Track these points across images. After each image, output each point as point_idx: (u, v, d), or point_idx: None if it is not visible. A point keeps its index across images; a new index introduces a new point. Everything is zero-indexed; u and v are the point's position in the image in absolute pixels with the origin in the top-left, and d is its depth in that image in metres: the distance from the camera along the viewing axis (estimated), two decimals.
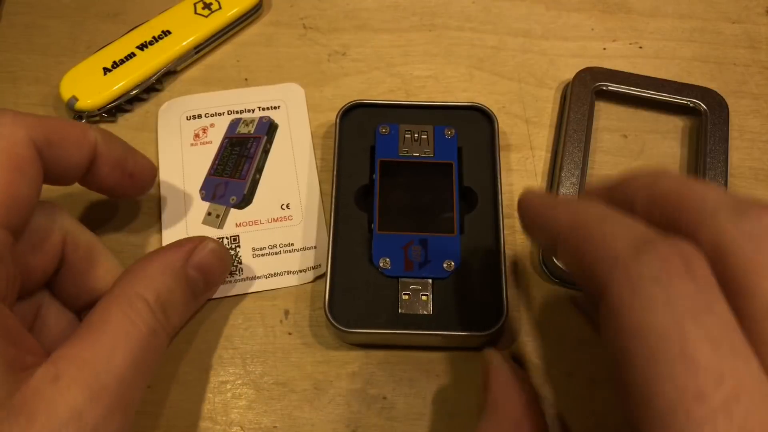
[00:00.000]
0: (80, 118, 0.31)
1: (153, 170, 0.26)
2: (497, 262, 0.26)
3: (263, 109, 0.32)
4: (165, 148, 0.31)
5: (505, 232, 0.27)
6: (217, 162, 0.30)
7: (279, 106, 0.32)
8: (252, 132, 0.31)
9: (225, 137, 0.31)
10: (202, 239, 0.24)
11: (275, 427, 0.25)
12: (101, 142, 0.22)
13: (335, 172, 0.28)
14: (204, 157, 0.31)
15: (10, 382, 0.16)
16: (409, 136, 0.29)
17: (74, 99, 0.31)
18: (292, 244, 0.28)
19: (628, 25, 0.35)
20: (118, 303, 0.20)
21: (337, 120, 0.29)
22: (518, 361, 0.26)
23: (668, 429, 0.12)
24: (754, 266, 0.14)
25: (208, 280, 0.24)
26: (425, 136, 0.29)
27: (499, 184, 0.28)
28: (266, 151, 0.31)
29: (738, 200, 0.15)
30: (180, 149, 0.31)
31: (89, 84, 0.31)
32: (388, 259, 0.26)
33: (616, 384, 0.14)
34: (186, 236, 0.27)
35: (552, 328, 0.27)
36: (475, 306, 0.26)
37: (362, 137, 0.29)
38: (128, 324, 0.20)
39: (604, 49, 0.34)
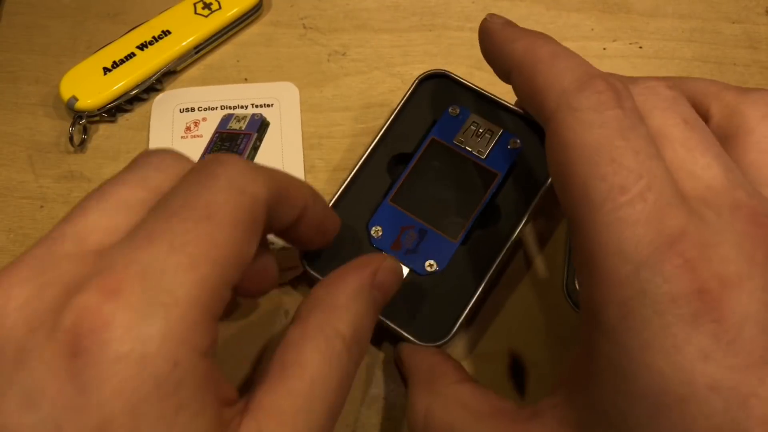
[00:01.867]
0: (80, 117, 0.31)
1: (339, 227, 0.24)
2: (476, 285, 0.25)
3: (256, 106, 0.32)
4: (156, 139, 0.31)
5: (506, 261, 0.26)
6: (205, 156, 0.30)
7: (272, 104, 0.32)
8: (243, 128, 0.31)
9: (216, 132, 0.31)
10: (383, 258, 0.22)
11: None
12: (310, 203, 0.21)
13: (383, 131, 0.27)
14: (194, 151, 0.31)
15: None
16: (474, 128, 0.27)
17: (74, 99, 0.31)
18: (273, 244, 0.28)
19: (628, 25, 0.35)
20: (315, 342, 0.19)
21: (415, 83, 0.28)
22: (520, 365, 0.26)
23: (599, 213, 0.16)
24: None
25: (385, 300, 0.22)
26: (489, 136, 0.27)
27: (526, 217, 0.25)
28: (255, 149, 0.31)
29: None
30: (171, 141, 0.31)
31: (89, 84, 0.31)
32: (380, 229, 0.26)
33: (557, 189, 0.19)
34: None
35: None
36: (429, 314, 0.25)
37: (428, 108, 0.28)
38: (327, 368, 0.18)
39: (604, 49, 0.34)
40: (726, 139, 0.19)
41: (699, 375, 0.15)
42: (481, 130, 0.27)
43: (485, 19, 0.23)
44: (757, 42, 0.34)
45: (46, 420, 0.14)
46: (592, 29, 0.35)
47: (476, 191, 0.26)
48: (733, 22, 0.35)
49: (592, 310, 0.17)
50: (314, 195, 0.21)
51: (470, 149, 0.27)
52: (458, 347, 0.27)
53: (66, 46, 0.34)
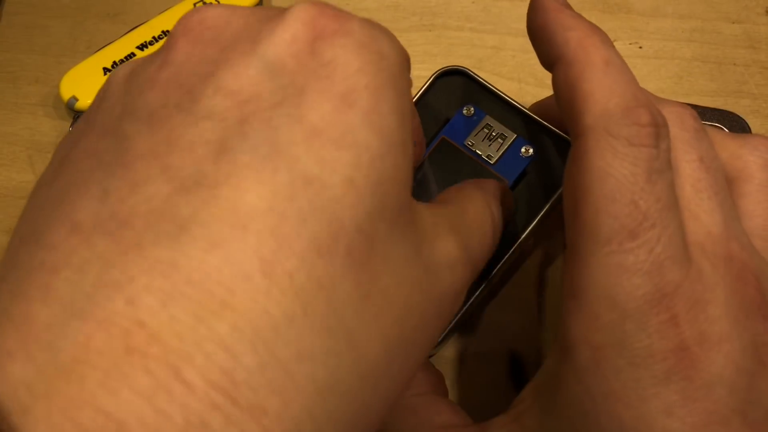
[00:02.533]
0: (80, 117, 0.31)
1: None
2: (467, 296, 0.23)
3: None
4: None
5: (507, 271, 0.25)
6: None
7: None
8: None
9: None
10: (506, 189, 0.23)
11: None
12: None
13: None
14: None
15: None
16: (487, 131, 0.26)
17: (74, 99, 0.31)
18: None
19: (628, 25, 0.35)
20: (472, 195, 0.20)
21: (432, 78, 0.27)
22: (520, 365, 0.26)
23: (601, 251, 0.16)
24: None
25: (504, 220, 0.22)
26: (501, 141, 0.25)
27: (529, 229, 0.24)
28: None
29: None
30: None
31: (89, 84, 0.31)
32: None
33: (566, 208, 0.18)
34: None
35: None
36: None
37: (443, 106, 0.27)
38: (482, 208, 0.19)
39: None
40: (728, 182, 0.19)
41: (659, 429, 0.15)
42: (494, 134, 0.25)
43: None
44: (757, 42, 0.34)
45: (287, 85, 0.13)
46: None
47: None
48: (733, 22, 0.35)
49: (567, 341, 0.17)
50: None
51: (480, 152, 0.25)
52: (458, 347, 0.27)
53: (66, 46, 0.34)
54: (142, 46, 0.32)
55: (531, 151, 0.25)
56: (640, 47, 0.34)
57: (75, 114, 0.31)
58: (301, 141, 0.12)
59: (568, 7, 0.21)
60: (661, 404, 0.15)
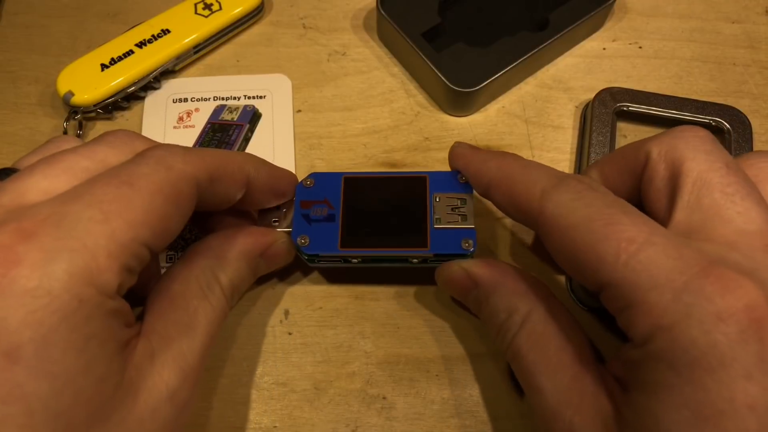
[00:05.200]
0: (75, 113, 0.31)
1: (295, 181, 0.26)
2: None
3: (249, 97, 0.32)
4: (148, 128, 0.31)
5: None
6: (197, 146, 0.30)
7: (265, 96, 0.32)
8: (235, 119, 0.31)
9: (208, 122, 0.31)
10: (281, 235, 0.25)
11: (275, 426, 0.25)
12: (253, 173, 0.23)
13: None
14: (185, 141, 0.31)
15: (120, 362, 0.18)
16: (458, 204, 0.25)
17: (70, 94, 0.30)
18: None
19: (628, 25, 0.35)
20: (198, 282, 0.22)
21: None
22: None
23: (617, 266, 0.18)
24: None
25: (269, 268, 0.25)
26: (459, 220, 0.25)
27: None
28: (247, 140, 0.31)
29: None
30: (163, 131, 0.31)
31: (86, 79, 0.31)
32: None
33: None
34: None
35: None
36: None
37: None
38: (208, 307, 0.21)
39: (604, 49, 0.34)
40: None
41: (740, 393, 0.15)
42: (461, 211, 0.25)
43: (454, 146, 0.26)
44: (757, 42, 0.34)
45: None
46: None
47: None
48: (733, 22, 0.35)
49: (641, 336, 0.17)
50: (257, 164, 0.23)
51: (435, 212, 0.25)
52: (458, 347, 0.27)
53: (66, 46, 0.34)
54: (141, 44, 0.32)
55: (472, 245, 0.24)
56: (640, 47, 0.34)
57: (71, 109, 0.31)
58: None
59: (478, 147, 0.25)
60: (741, 368, 0.15)
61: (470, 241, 0.24)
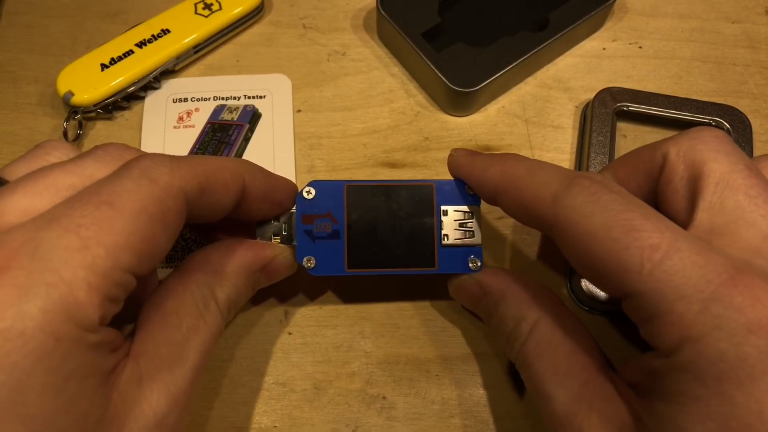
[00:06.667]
0: (75, 113, 0.31)
1: (294, 190, 0.24)
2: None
3: (249, 97, 0.32)
4: (148, 128, 0.31)
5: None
6: (197, 146, 0.31)
7: (265, 96, 0.32)
8: (235, 119, 0.31)
9: (208, 122, 0.31)
10: (283, 250, 0.24)
11: (275, 426, 0.25)
12: (249, 180, 0.22)
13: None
14: (185, 141, 0.31)
15: (104, 394, 0.17)
16: (466, 218, 0.24)
17: (70, 94, 0.30)
18: None
19: (628, 25, 0.35)
20: (194, 299, 0.21)
21: None
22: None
23: (641, 276, 0.17)
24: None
25: (269, 282, 0.24)
26: (467, 235, 0.24)
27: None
28: (247, 140, 0.31)
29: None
30: (163, 131, 0.31)
31: (86, 79, 0.31)
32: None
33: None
34: None
35: None
36: None
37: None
38: (202, 325, 0.20)
39: (604, 49, 0.34)
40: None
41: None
42: (467, 225, 0.24)
43: (451, 154, 0.25)
44: (756, 42, 0.34)
45: None
46: None
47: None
48: (733, 22, 0.35)
49: (667, 347, 0.17)
50: (252, 172, 0.22)
51: (443, 227, 0.24)
52: (458, 347, 0.27)
53: (66, 46, 0.34)
54: (141, 44, 0.32)
55: (479, 264, 0.24)
56: (640, 47, 0.34)
57: (70, 109, 0.31)
58: None
59: (477, 152, 0.24)
60: None
61: (477, 261, 0.24)
